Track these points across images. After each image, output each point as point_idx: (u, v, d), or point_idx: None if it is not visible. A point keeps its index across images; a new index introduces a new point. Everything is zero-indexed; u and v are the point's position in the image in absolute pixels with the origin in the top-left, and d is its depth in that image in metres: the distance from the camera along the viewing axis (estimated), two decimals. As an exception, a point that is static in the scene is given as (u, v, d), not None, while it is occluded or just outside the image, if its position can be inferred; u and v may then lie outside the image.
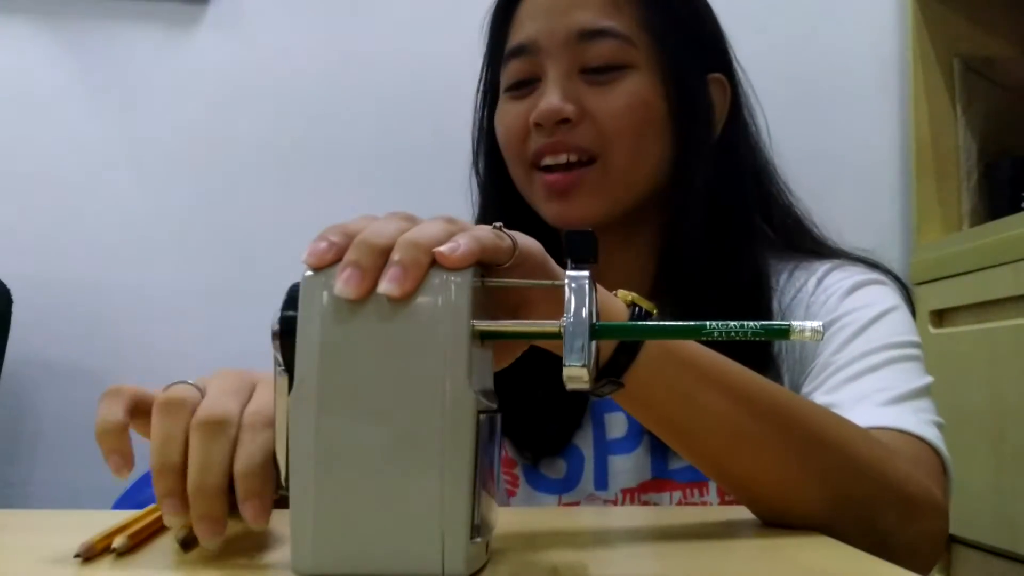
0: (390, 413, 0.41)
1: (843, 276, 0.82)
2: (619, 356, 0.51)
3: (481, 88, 0.91)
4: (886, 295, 0.81)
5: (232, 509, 0.47)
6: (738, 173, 0.86)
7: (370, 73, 1.76)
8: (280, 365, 0.44)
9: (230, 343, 1.46)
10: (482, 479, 0.42)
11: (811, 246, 0.88)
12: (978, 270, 1.45)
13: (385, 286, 0.41)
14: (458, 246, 0.42)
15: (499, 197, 0.89)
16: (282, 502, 0.44)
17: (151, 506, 0.55)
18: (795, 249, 0.87)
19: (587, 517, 0.72)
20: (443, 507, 0.40)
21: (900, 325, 0.79)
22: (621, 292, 0.53)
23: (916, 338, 0.79)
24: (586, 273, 0.43)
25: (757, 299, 0.82)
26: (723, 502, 0.81)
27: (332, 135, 1.75)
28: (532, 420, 0.84)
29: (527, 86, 0.83)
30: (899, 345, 0.76)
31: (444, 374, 0.41)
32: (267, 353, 0.44)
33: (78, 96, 1.72)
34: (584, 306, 0.42)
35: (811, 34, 1.85)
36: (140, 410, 0.51)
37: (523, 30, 0.83)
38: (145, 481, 0.70)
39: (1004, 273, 1.37)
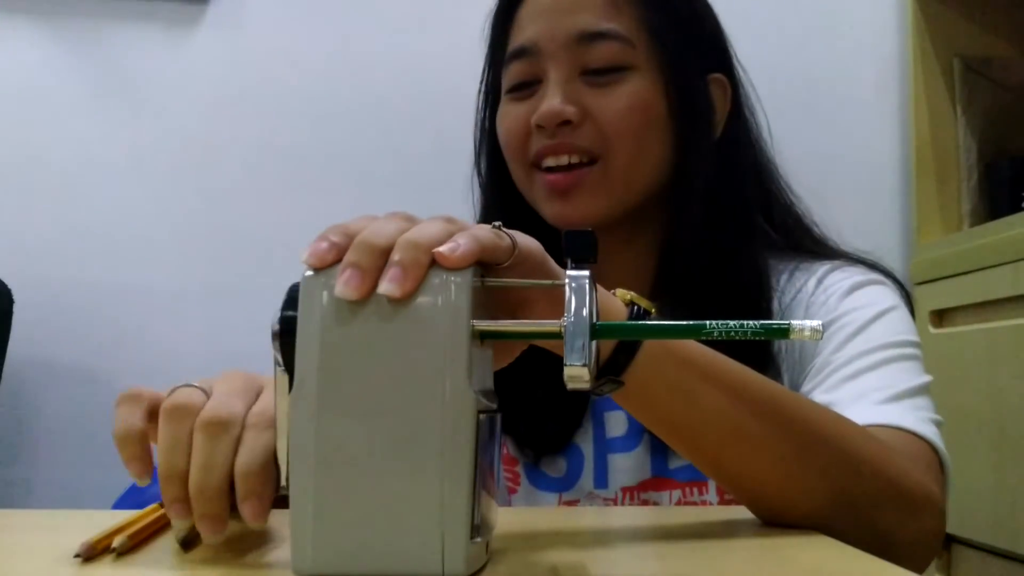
0: (390, 413, 0.41)
1: (843, 276, 0.82)
2: (618, 355, 0.51)
3: (483, 89, 0.91)
4: (885, 295, 0.81)
5: (233, 508, 0.47)
6: (739, 173, 0.87)
7: (370, 73, 1.76)
8: (280, 365, 0.44)
9: (230, 343, 1.47)
10: (482, 479, 0.42)
11: (811, 245, 0.89)
12: (978, 270, 1.45)
13: (385, 286, 0.41)
14: (458, 246, 0.42)
15: (500, 197, 0.89)
16: (282, 502, 0.44)
17: (151, 506, 0.55)
18: (795, 248, 0.88)
19: (587, 517, 0.72)
20: (443, 507, 0.40)
21: (899, 324, 0.79)
22: (620, 291, 0.53)
23: (915, 337, 0.79)
24: (586, 273, 0.43)
25: (757, 299, 0.82)
26: (723, 501, 0.81)
27: (332, 135, 1.75)
28: (533, 419, 0.84)
29: (528, 88, 0.83)
30: (898, 344, 0.76)
31: (444, 374, 0.41)
32: (267, 353, 0.44)
33: (78, 96, 1.72)
34: (584, 306, 0.42)
35: (811, 34, 1.85)
36: (156, 415, 0.50)
37: (524, 32, 0.84)
38: (145, 481, 0.70)
39: (1004, 273, 1.37)
